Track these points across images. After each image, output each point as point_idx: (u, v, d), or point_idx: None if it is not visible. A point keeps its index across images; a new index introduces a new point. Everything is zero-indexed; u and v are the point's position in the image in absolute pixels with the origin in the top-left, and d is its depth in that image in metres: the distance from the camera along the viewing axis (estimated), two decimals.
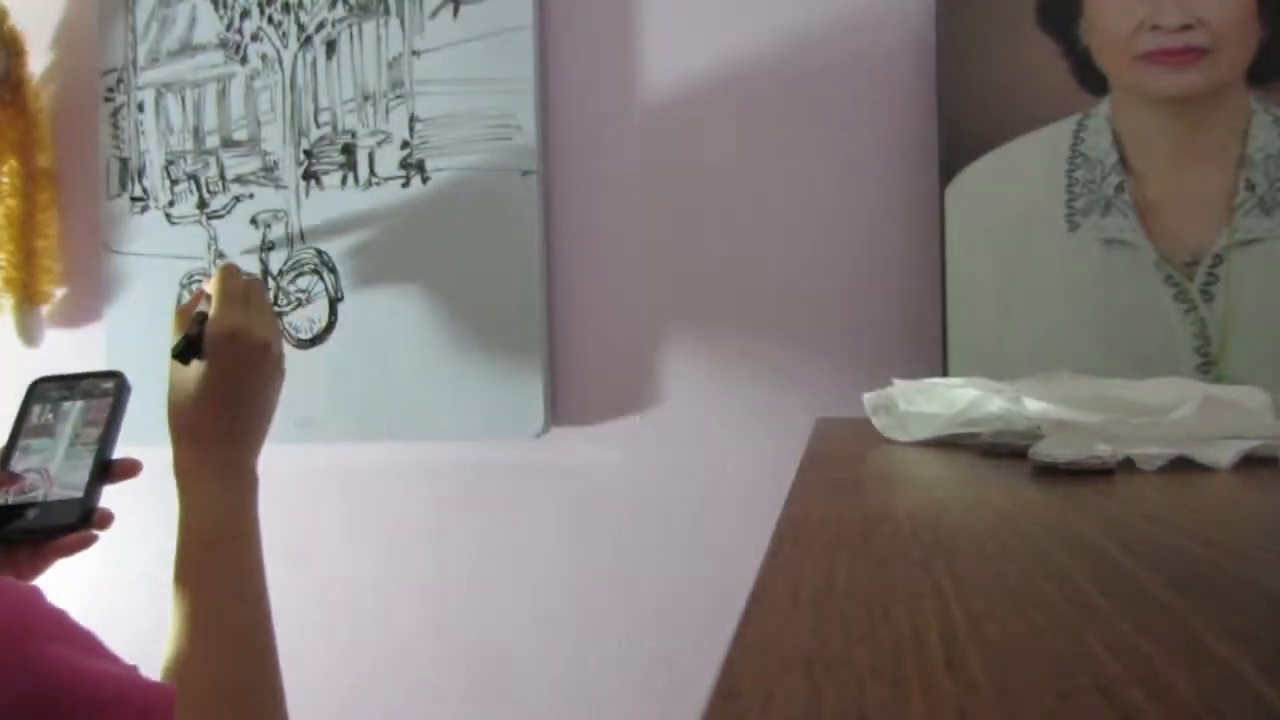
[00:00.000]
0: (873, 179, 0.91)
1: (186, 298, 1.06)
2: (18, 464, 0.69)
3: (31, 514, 0.67)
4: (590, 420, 0.98)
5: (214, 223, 1.06)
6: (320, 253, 1.02)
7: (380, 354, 1.00)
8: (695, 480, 0.95)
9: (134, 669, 0.49)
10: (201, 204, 1.07)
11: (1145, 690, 0.17)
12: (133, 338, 1.08)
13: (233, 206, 1.06)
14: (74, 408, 0.71)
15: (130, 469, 0.71)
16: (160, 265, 1.08)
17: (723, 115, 0.95)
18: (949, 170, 0.84)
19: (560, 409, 0.98)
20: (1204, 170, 0.79)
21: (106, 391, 0.71)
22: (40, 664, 0.42)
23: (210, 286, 0.76)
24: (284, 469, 1.05)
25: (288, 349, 1.03)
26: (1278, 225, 0.77)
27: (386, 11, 1.00)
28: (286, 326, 1.04)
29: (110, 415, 0.70)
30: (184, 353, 0.70)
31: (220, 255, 1.05)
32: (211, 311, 0.74)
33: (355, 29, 1.02)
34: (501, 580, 1.00)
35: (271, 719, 0.65)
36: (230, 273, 0.76)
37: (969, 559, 0.28)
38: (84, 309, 1.14)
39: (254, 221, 1.05)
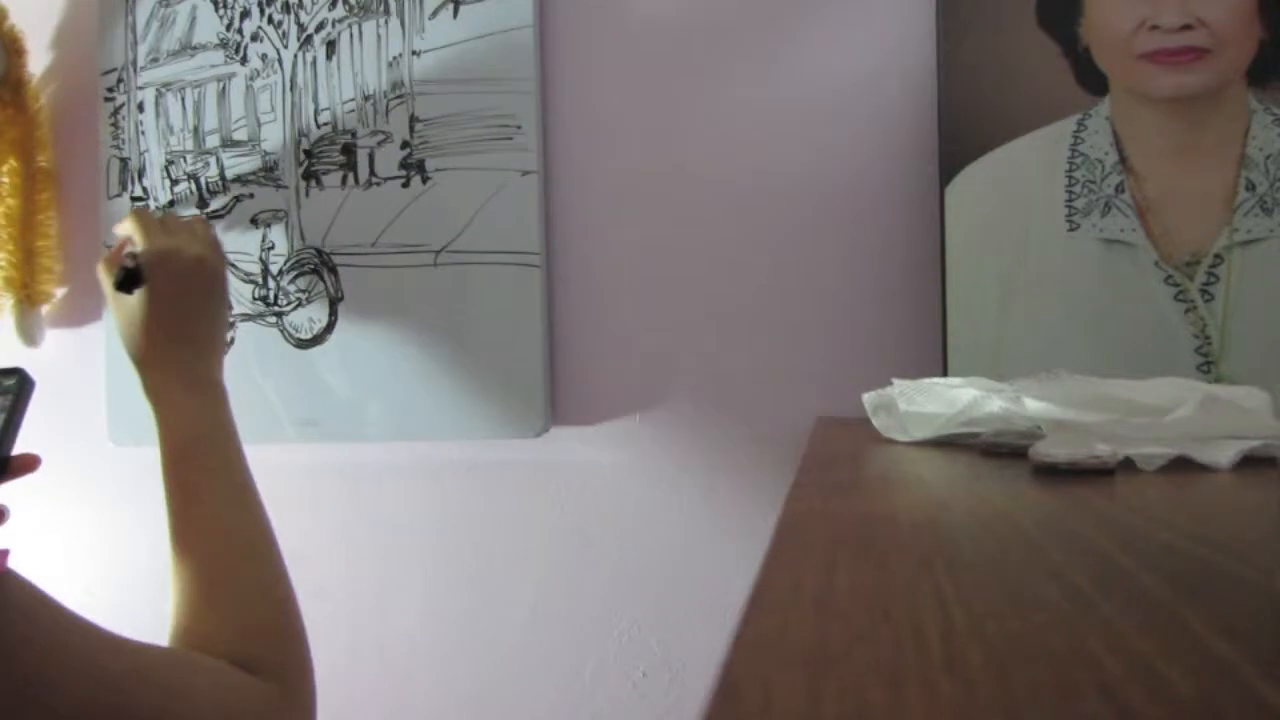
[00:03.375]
0: (873, 179, 0.91)
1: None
2: None
3: None
4: (590, 420, 0.98)
5: (214, 223, 1.06)
6: (320, 252, 1.02)
7: (380, 354, 1.00)
8: (695, 480, 0.95)
9: None
10: (201, 204, 1.07)
11: (1145, 690, 0.17)
12: None
13: (233, 206, 1.06)
14: None
15: (28, 464, 0.69)
16: None
17: (724, 115, 0.95)
18: (949, 170, 0.84)
19: (560, 409, 0.98)
20: (1204, 170, 0.79)
21: (7, 389, 0.70)
22: None
23: (127, 228, 0.80)
24: (284, 469, 1.05)
25: (288, 348, 1.03)
26: (1278, 225, 0.77)
27: (386, 11, 1.00)
28: (287, 326, 1.03)
29: (10, 412, 0.69)
30: (125, 283, 0.73)
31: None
32: (138, 245, 0.77)
33: (355, 29, 1.02)
34: (501, 580, 1.00)
35: (274, 619, 0.64)
36: (140, 211, 0.81)
37: (969, 559, 0.28)
38: (84, 309, 1.14)
39: (254, 221, 1.05)
